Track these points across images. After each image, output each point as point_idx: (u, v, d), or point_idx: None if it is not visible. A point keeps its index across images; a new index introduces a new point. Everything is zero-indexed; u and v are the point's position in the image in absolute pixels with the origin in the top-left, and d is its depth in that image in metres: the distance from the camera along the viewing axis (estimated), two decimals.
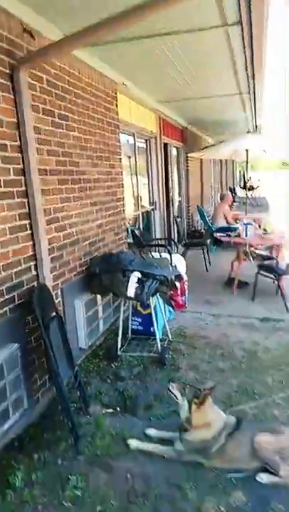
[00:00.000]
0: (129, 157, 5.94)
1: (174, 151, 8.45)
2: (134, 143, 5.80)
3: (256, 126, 9.75)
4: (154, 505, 2.04)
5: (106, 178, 4.11)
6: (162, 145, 6.81)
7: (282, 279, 5.18)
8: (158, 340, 3.65)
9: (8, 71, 2.53)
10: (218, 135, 11.53)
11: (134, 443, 2.48)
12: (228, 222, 8.13)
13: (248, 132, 8.48)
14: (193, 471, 2.27)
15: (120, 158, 4.51)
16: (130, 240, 5.27)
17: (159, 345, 3.63)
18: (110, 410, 2.91)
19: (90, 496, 2.10)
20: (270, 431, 2.26)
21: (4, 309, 2.49)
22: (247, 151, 7.50)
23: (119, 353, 3.64)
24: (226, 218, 8.26)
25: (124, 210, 4.65)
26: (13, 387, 2.46)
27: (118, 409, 2.94)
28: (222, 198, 9.12)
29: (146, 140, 6.44)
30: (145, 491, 2.12)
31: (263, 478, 2.17)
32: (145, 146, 6.51)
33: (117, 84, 4.40)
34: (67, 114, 3.30)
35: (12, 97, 2.57)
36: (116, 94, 4.39)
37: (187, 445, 2.33)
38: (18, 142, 2.63)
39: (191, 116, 8.06)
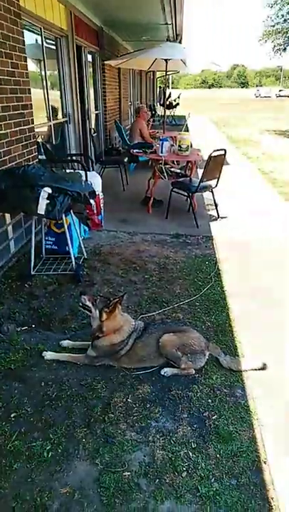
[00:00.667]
0: (39, 61, 5.27)
1: (89, 57, 7.68)
2: (42, 42, 5.11)
3: (177, 35, 9.18)
4: (67, 405, 2.21)
5: (8, 80, 3.61)
6: (75, 47, 6.10)
7: (194, 197, 5.39)
8: (73, 259, 3.65)
9: None
10: (136, 42, 10.67)
11: (48, 354, 2.58)
12: (144, 139, 7.89)
13: (167, 40, 7.96)
14: (104, 372, 2.47)
15: (25, 57, 3.95)
16: (43, 157, 4.91)
17: (73, 263, 3.65)
18: (25, 328, 2.95)
19: (4, 406, 2.19)
20: (173, 331, 2.50)
21: None
22: (166, 61, 7.12)
23: (32, 272, 3.59)
24: (142, 135, 7.99)
25: (32, 120, 4.22)
26: None
27: (33, 326, 2.98)
28: (137, 111, 8.53)
29: (56, 39, 5.69)
30: (58, 394, 2.28)
31: (167, 371, 2.45)
32: (56, 48, 5.78)
33: None
34: None
35: None
36: None
37: (99, 350, 2.49)
38: None
39: (106, 15, 7.24)
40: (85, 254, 4.10)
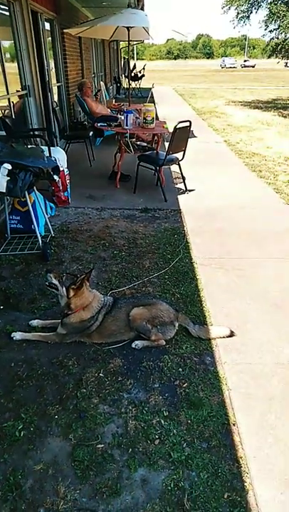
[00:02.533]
0: None
1: (47, 25, 7.27)
2: None
3: (138, 1, 8.82)
4: (38, 384, 2.20)
5: None
6: (30, 13, 5.73)
7: (161, 170, 5.33)
8: (39, 237, 3.56)
9: None
10: (97, 9, 10.17)
11: (17, 335, 2.54)
12: (92, 113, 7.50)
13: (128, 6, 7.63)
14: (75, 349, 2.46)
15: None
16: (2, 132, 4.67)
17: (40, 241, 3.56)
18: None
19: None
20: (142, 305, 2.51)
21: None
22: (128, 29, 6.85)
23: None
24: (93, 112, 7.55)
25: None
26: None
27: (1, 307, 2.91)
28: (80, 88, 7.84)
29: (8, 3, 5.31)
30: (29, 374, 2.26)
31: (138, 344, 2.47)
32: (9, 14, 5.41)
33: None
34: None
35: None
36: None
37: (68, 327, 2.47)
38: None
39: None
40: (52, 232, 4.01)
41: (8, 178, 3.02)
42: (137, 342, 2.48)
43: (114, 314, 2.49)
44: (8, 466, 1.75)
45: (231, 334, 2.56)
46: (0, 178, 3.00)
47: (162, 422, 1.99)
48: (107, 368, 2.32)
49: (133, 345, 2.47)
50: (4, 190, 3.04)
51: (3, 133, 4.69)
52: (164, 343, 2.49)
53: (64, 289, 2.40)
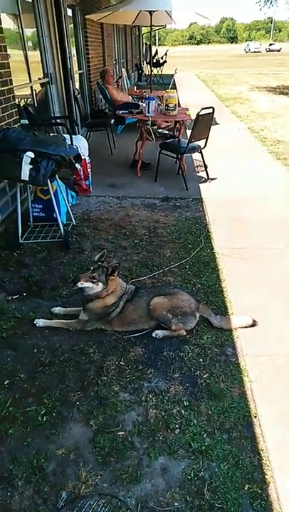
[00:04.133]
0: (16, 16, 4.91)
1: (69, 12, 7.20)
2: None
3: None
4: (60, 370, 2.23)
5: None
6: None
7: (183, 158, 5.25)
8: (61, 226, 3.57)
9: None
10: None
11: (40, 322, 2.58)
12: (114, 102, 7.43)
13: None
14: (96, 337, 2.48)
15: None
16: (25, 121, 4.69)
17: (62, 230, 3.58)
18: (16, 296, 2.92)
19: None
20: (163, 294, 2.50)
21: None
22: (151, 14, 6.71)
23: (21, 241, 3.52)
24: (114, 99, 7.45)
25: (11, 81, 3.99)
26: None
27: (24, 294, 2.96)
28: (102, 76, 7.78)
29: None
30: (51, 360, 2.29)
31: (158, 334, 2.47)
32: (32, 1, 5.38)
33: None
34: None
35: None
36: None
37: (91, 313, 2.49)
38: None
39: None
40: (74, 220, 4.03)
41: (31, 166, 3.03)
42: (157, 331, 2.47)
43: (135, 303, 2.49)
44: (31, 449, 1.79)
45: (253, 324, 2.52)
46: (23, 167, 3.02)
47: (182, 411, 1.99)
48: (127, 357, 2.33)
49: (153, 335, 2.47)
50: (27, 179, 3.06)
51: (26, 121, 4.71)
52: (185, 333, 2.48)
53: (101, 284, 2.40)
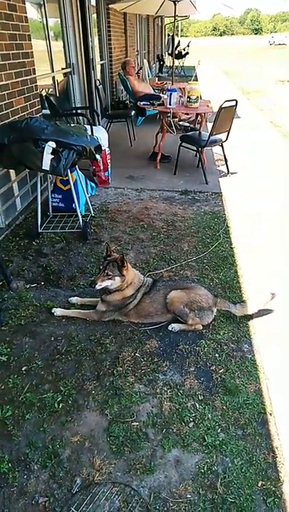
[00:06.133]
0: (39, 6, 4.91)
1: (93, 1, 7.16)
2: None
3: None
4: (76, 359, 2.25)
5: (7, 25, 3.38)
6: None
7: (203, 152, 5.19)
8: (80, 216, 3.59)
9: None
10: None
11: (58, 311, 2.61)
12: (135, 94, 7.36)
13: None
14: (112, 328, 2.50)
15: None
16: (47, 111, 4.71)
17: (80, 220, 3.60)
18: (34, 285, 2.96)
19: (15, 360, 2.23)
20: (181, 288, 2.49)
21: None
22: (175, 4, 6.60)
23: (40, 230, 3.56)
24: (135, 91, 7.39)
25: (34, 70, 4.00)
26: None
27: (42, 283, 2.99)
28: (123, 67, 7.69)
29: None
30: (68, 349, 2.31)
31: (174, 327, 2.47)
32: None
33: None
34: None
35: None
36: None
37: (109, 304, 2.50)
38: None
39: None
40: (92, 211, 4.04)
41: (52, 156, 3.04)
42: (173, 325, 2.47)
43: (152, 296, 2.49)
44: (47, 435, 1.82)
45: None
46: (44, 156, 3.03)
47: (197, 405, 1.99)
48: (143, 349, 2.34)
49: (170, 328, 2.47)
50: (48, 168, 3.07)
51: (48, 111, 4.73)
52: (201, 327, 2.47)
53: (117, 278, 2.40)
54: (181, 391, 2.06)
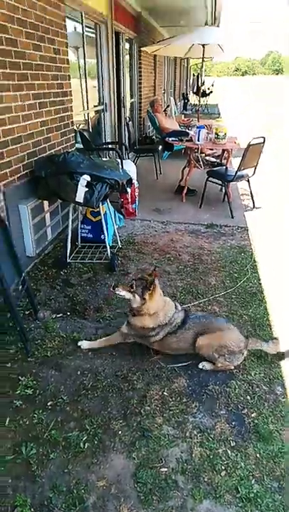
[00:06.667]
0: (77, 48, 5.21)
1: (126, 45, 7.56)
2: (82, 28, 5.05)
3: (215, 19, 8.86)
4: (102, 395, 2.19)
5: (50, 66, 3.59)
6: (114, 34, 6.00)
7: (229, 186, 5.23)
8: (108, 248, 3.62)
9: None
10: (174, 28, 10.39)
11: (84, 344, 2.57)
12: (162, 130, 7.58)
13: (205, 25, 7.69)
14: (139, 364, 2.43)
15: (66, 43, 3.91)
16: (80, 146, 4.89)
17: (108, 252, 3.62)
18: (60, 315, 2.95)
19: (40, 394, 2.19)
20: (211, 329, 2.40)
21: None
22: (204, 46, 6.89)
23: (68, 260, 3.59)
24: (162, 127, 7.64)
25: (71, 107, 4.19)
26: None
27: (68, 313, 2.98)
28: (152, 105, 8.05)
29: (95, 26, 5.61)
30: (94, 384, 2.26)
31: (205, 366, 2.38)
32: (95, 35, 5.71)
33: None
34: None
35: None
36: None
37: (131, 328, 2.45)
38: None
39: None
40: (120, 243, 4.07)
41: (87, 189, 3.11)
42: (204, 363, 2.39)
43: (180, 335, 2.40)
44: (72, 478, 1.74)
45: None
46: (79, 189, 3.11)
47: (229, 452, 1.88)
48: (171, 387, 2.26)
49: (200, 366, 2.39)
50: (82, 201, 3.14)
51: (81, 145, 4.90)
52: (233, 367, 2.38)
53: (137, 296, 2.32)
54: (211, 436, 1.96)
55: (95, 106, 5.99)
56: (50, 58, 3.56)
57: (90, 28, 5.52)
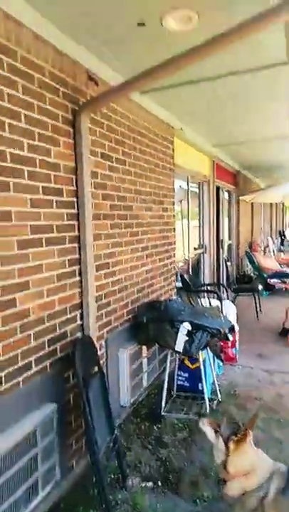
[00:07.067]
0: (181, 200, 5.85)
1: (226, 195, 8.30)
2: (188, 187, 5.72)
3: None
4: None
5: (158, 222, 4.00)
6: (215, 188, 6.68)
7: None
8: (206, 401, 3.31)
9: (70, 117, 2.52)
10: (269, 178, 11.28)
11: None
12: (262, 269, 7.63)
13: None
14: None
15: (173, 202, 4.41)
16: (179, 284, 5.05)
17: (207, 406, 3.29)
18: (150, 484, 2.59)
19: None
20: None
21: (44, 364, 2.32)
22: None
23: (162, 413, 3.33)
24: (262, 266, 7.75)
25: (174, 255, 4.47)
26: (45, 456, 2.20)
27: (159, 483, 2.60)
28: (250, 246, 8.73)
29: (199, 183, 6.35)
30: None
31: None
32: (198, 190, 6.42)
33: (174, 129, 4.37)
34: (124, 158, 3.26)
35: (72, 141, 2.55)
36: (173, 138, 4.36)
37: (232, 503, 1.90)
38: (74, 187, 2.58)
39: (244, 160, 7.95)
40: (219, 394, 3.70)
41: (187, 338, 3.04)
42: None
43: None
44: None
45: None
46: (179, 337, 3.05)
47: None
48: None
49: None
50: (181, 350, 3.04)
51: (180, 284, 5.05)
52: None
53: (221, 441, 1.88)
54: None
55: (195, 249, 6.34)
56: (158, 216, 3.98)
57: (194, 184, 6.23)
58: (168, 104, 3.89)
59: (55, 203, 2.40)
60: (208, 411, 3.25)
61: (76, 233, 2.60)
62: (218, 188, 7.07)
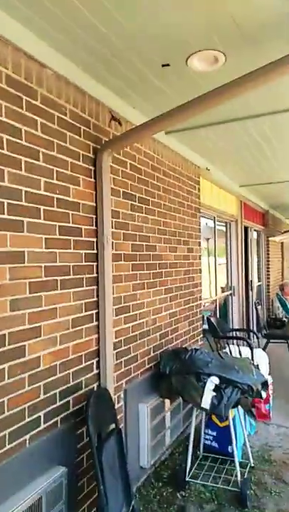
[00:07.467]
0: (208, 239, 5.66)
1: (254, 234, 8.06)
2: (214, 226, 5.55)
3: None
4: None
5: (183, 263, 3.80)
6: (242, 228, 6.47)
7: None
8: (237, 467, 2.90)
9: (91, 155, 2.45)
10: None
11: None
12: None
13: None
14: None
15: (199, 242, 4.23)
16: (205, 326, 4.74)
17: (239, 474, 2.88)
18: None
19: None
20: None
21: (55, 419, 2.08)
22: None
23: (187, 478, 2.95)
24: None
25: (200, 297, 4.22)
26: None
27: None
28: (281, 289, 8.50)
29: (226, 223, 6.17)
30: None
31: None
32: (225, 229, 6.23)
33: (200, 168, 4.28)
34: (148, 197, 3.15)
35: (93, 180, 2.46)
36: (199, 178, 4.25)
37: None
38: (94, 226, 2.46)
39: (274, 201, 7.77)
40: (252, 459, 3.28)
41: (214, 393, 2.72)
42: None
43: None
44: None
45: None
46: (205, 393, 2.73)
47: None
48: None
49: None
50: (208, 407, 2.72)
51: (206, 326, 4.74)
52: None
53: None
54: None
55: (222, 290, 6.05)
56: (183, 256, 3.79)
57: (221, 223, 6.05)
58: (194, 144, 3.83)
59: (72, 243, 2.27)
60: (239, 481, 2.85)
61: (95, 275, 2.45)
62: (246, 228, 6.85)
